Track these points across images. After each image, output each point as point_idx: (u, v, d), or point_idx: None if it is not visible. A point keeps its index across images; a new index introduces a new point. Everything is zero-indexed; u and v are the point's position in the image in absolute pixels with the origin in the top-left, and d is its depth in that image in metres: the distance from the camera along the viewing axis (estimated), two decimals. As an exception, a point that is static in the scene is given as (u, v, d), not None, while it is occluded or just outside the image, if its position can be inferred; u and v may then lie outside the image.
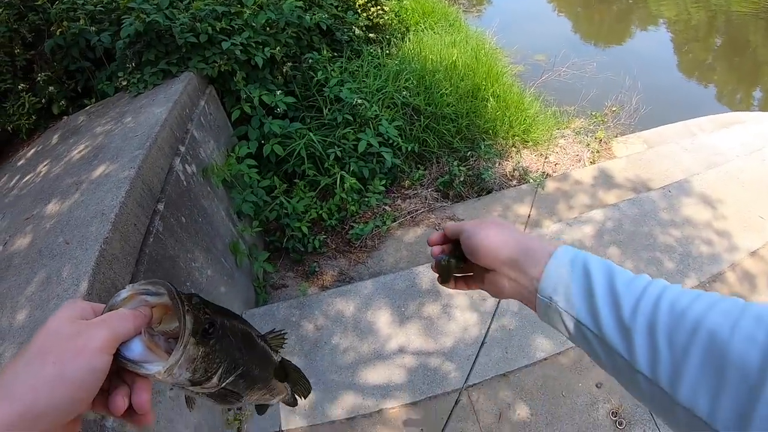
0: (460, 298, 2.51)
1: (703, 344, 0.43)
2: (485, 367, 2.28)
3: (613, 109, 4.42)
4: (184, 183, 2.34)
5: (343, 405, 2.23)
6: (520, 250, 0.59)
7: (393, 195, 3.51)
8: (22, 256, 1.73)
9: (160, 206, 2.05)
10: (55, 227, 1.80)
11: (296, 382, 0.81)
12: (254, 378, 0.63)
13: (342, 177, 3.21)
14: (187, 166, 2.41)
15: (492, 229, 0.62)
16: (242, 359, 0.59)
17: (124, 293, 0.51)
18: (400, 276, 2.66)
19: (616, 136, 4.22)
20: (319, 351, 2.43)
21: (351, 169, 3.27)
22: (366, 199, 3.32)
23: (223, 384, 0.56)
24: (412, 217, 3.25)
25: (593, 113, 4.41)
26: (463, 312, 2.47)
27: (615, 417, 2.13)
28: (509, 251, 0.59)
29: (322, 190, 3.28)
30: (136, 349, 0.49)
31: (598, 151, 3.99)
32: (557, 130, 4.22)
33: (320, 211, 3.17)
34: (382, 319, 2.50)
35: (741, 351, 0.40)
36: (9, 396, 0.42)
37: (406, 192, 3.49)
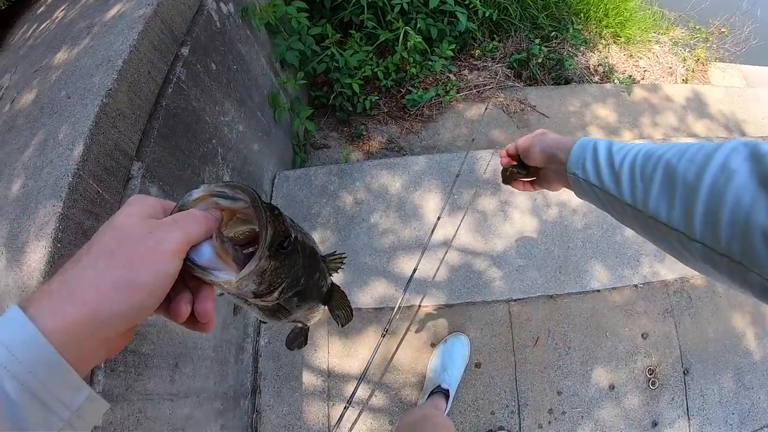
0: (521, 198, 2.14)
1: (662, 171, 0.58)
2: (534, 282, 1.99)
3: (722, 30, 3.67)
4: (217, 24, 1.84)
5: (373, 293, 1.94)
6: (555, 146, 0.77)
7: (460, 63, 2.92)
8: (25, 114, 1.41)
9: (185, 50, 1.62)
10: (59, 79, 1.44)
11: (339, 307, 0.74)
12: (307, 297, 0.60)
13: (406, 33, 2.60)
14: (222, 5, 1.89)
15: (537, 137, 0.81)
16: (304, 278, 0.55)
17: (196, 193, 0.46)
18: (457, 157, 2.21)
19: (715, 60, 3.57)
20: (355, 228, 2.08)
21: (417, 26, 2.64)
22: (430, 62, 2.74)
23: (281, 300, 0.53)
24: (478, 91, 2.72)
25: (698, 27, 3.68)
26: (522, 214, 2.11)
27: (650, 375, 1.91)
28: (549, 149, 0.78)
29: (380, 45, 2.68)
30: (206, 254, 0.44)
31: (693, 71, 3.38)
32: (653, 34, 3.55)
33: (376, 69, 2.62)
34: (431, 203, 2.14)
35: (684, 168, 0.55)
36: (72, 298, 0.38)
37: (475, 63, 2.90)
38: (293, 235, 0.50)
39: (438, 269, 1.99)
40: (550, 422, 1.88)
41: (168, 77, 1.54)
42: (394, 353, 1.89)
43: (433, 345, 1.90)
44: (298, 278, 0.53)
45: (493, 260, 2.01)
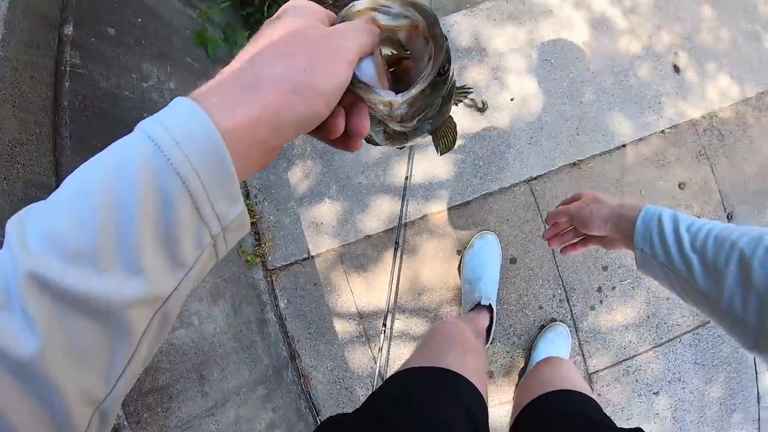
0: (512, 58, 1.73)
1: (736, 262, 0.58)
2: (551, 152, 1.67)
3: None
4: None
5: (378, 214, 1.62)
6: (617, 217, 0.75)
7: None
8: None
9: (68, 30, 1.15)
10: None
11: (445, 134, 0.63)
12: (434, 125, 0.56)
13: None
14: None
15: (593, 207, 0.78)
16: (437, 107, 0.50)
17: (359, 4, 0.41)
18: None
19: None
20: (335, 149, 1.75)
21: None
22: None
23: (417, 125, 0.50)
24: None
25: None
26: (519, 77, 1.70)
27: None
28: (611, 219, 0.75)
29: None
30: (368, 71, 0.39)
31: None
32: None
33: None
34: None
35: (760, 271, 0.55)
36: (249, 98, 0.31)
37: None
38: (448, 65, 0.44)
39: (439, 167, 1.67)
40: (601, 301, 1.65)
41: (58, 70, 1.12)
42: (415, 274, 1.62)
43: (459, 252, 1.62)
44: (434, 108, 0.49)
45: (499, 139, 1.69)
